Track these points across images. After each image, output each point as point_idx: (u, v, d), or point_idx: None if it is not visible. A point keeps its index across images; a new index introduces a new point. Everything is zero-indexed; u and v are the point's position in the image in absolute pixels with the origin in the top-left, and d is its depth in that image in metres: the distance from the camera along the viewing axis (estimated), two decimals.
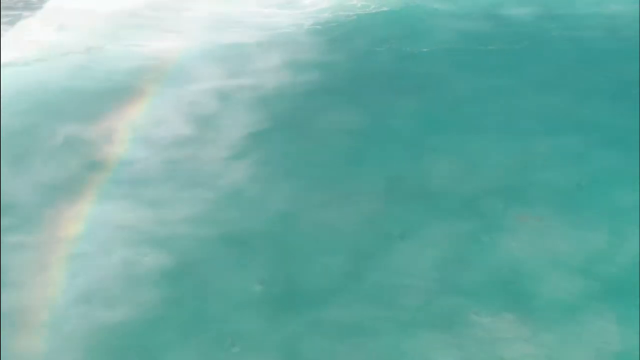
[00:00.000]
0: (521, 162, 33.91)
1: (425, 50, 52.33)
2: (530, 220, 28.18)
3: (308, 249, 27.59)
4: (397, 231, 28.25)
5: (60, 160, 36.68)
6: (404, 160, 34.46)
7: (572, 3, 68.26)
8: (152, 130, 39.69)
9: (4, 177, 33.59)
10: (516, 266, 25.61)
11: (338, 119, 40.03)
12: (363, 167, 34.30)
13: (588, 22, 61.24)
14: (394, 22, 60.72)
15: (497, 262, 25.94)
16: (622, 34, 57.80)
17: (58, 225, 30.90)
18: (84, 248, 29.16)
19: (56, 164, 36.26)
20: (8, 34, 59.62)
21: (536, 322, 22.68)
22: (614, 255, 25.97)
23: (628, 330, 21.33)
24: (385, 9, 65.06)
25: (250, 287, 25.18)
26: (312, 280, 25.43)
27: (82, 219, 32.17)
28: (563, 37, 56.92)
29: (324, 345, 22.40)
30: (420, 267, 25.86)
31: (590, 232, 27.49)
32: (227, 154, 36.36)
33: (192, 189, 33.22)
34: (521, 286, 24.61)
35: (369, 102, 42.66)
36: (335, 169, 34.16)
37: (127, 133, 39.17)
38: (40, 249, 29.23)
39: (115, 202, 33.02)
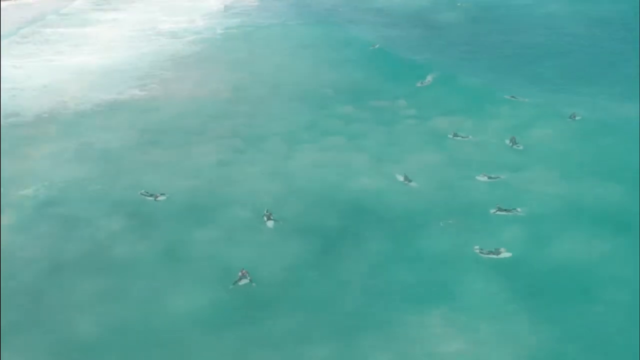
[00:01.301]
0: (449, 166, 33.63)
1: (349, 59, 49.52)
2: (455, 223, 27.88)
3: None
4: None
5: None
6: (335, 167, 33.78)
7: (506, 2, 68.53)
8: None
9: None
10: (443, 268, 25.60)
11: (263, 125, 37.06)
12: (292, 174, 33.48)
13: (525, 22, 60.60)
14: (310, 34, 58.49)
15: (425, 264, 25.90)
16: (562, 30, 57.04)
17: None
18: None
19: None
20: None
21: (463, 320, 22.84)
22: (533, 258, 26.29)
23: (543, 326, 21.21)
24: (292, 22, 64.46)
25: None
26: (252, 290, 24.75)
27: None
28: (501, 41, 55.20)
29: (267, 356, 21.97)
30: (351, 273, 25.46)
31: (512, 235, 27.84)
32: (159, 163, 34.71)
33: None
34: (448, 286, 24.72)
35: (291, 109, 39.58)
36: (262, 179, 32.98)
37: None
38: None
39: None
